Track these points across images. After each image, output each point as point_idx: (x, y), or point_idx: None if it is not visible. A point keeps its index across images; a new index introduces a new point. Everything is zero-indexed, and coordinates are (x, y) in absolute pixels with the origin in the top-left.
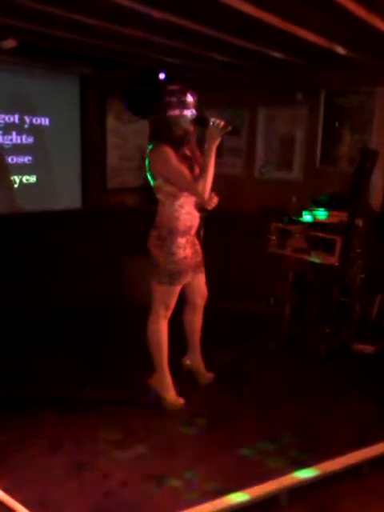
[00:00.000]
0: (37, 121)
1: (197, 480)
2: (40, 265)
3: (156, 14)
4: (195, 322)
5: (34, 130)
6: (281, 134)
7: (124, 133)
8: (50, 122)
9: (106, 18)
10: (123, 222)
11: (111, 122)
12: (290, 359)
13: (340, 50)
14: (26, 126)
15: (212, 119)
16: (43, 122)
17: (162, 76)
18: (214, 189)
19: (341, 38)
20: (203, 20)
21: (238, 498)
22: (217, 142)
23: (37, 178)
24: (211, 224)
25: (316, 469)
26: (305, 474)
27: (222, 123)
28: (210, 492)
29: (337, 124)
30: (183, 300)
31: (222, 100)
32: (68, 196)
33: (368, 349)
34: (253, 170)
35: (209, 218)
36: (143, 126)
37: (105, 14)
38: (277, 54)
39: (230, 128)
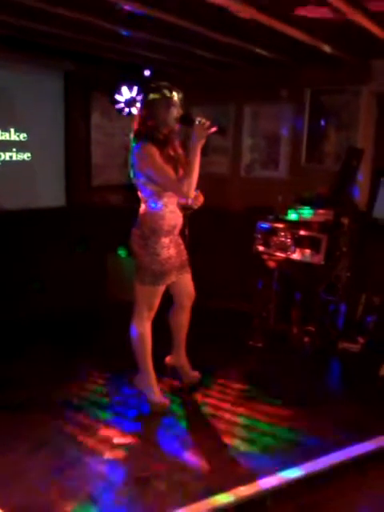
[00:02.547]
0: (20, 117)
1: (181, 482)
2: (22, 264)
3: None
4: (182, 321)
5: (17, 126)
6: (266, 132)
7: (109, 130)
8: (33, 118)
9: (90, 12)
10: (108, 220)
11: (96, 118)
12: (275, 357)
13: (325, 48)
14: (9, 123)
15: (198, 118)
16: (26, 119)
17: (147, 73)
18: (199, 188)
19: (325, 36)
20: (188, 16)
21: (224, 499)
22: (202, 142)
23: (19, 175)
24: (197, 223)
25: (301, 469)
26: (290, 474)
27: (208, 122)
28: (195, 494)
29: (322, 122)
30: (169, 300)
31: (207, 98)
32: (51, 194)
33: (353, 347)
34: (239, 168)
35: (194, 217)
36: (128, 122)
37: (88, 8)
38: (262, 52)
39: (215, 127)
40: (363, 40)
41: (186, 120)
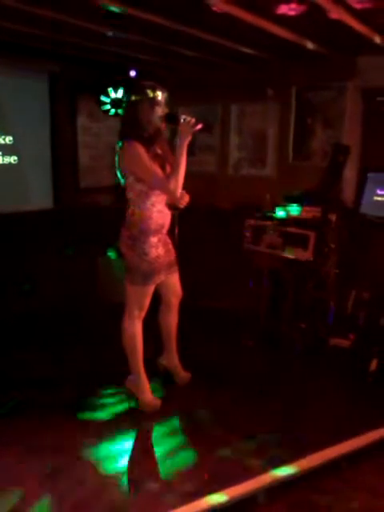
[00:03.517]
0: (5, 120)
1: (174, 482)
2: (11, 266)
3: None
4: (170, 321)
5: (3, 129)
6: (253, 130)
7: (95, 131)
8: (18, 120)
9: (73, 13)
10: (97, 221)
11: (82, 119)
12: (266, 355)
13: (309, 46)
14: None
15: (183, 116)
16: (12, 121)
17: (132, 73)
18: (186, 187)
19: (310, 33)
20: (173, 16)
21: (217, 498)
22: (188, 139)
23: (6, 179)
24: (185, 222)
25: (294, 466)
26: (283, 471)
27: (193, 120)
28: (188, 493)
29: (309, 120)
30: (158, 300)
31: (194, 97)
32: (39, 196)
33: (343, 343)
34: (226, 167)
35: (183, 216)
36: (115, 123)
37: (72, 9)
38: (247, 50)
39: (201, 125)
40: (347, 37)
41: (171, 118)
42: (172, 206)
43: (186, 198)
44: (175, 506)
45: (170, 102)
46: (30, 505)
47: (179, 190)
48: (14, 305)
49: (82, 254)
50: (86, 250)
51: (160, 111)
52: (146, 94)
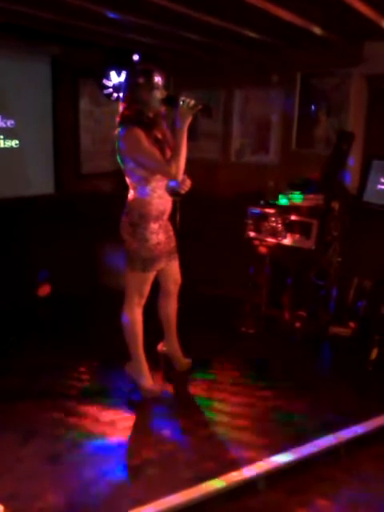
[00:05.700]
0: (6, 103)
1: (173, 468)
2: (12, 253)
3: None
4: (170, 308)
5: (4, 113)
6: (256, 116)
7: (98, 115)
8: (20, 104)
9: None
10: (98, 207)
11: (84, 104)
12: (267, 343)
13: (316, 30)
14: None
15: (182, 98)
16: (13, 105)
17: (136, 57)
18: (187, 173)
19: (316, 18)
20: None
21: (215, 484)
22: (188, 122)
23: (7, 163)
24: (187, 209)
25: (292, 453)
26: (281, 458)
27: (193, 101)
28: (186, 480)
29: (313, 106)
30: (157, 287)
31: (197, 82)
32: (40, 181)
33: (344, 332)
34: (229, 153)
35: (185, 203)
36: (117, 108)
37: None
38: (252, 34)
39: (200, 106)
40: (355, 21)
41: (170, 101)
42: (173, 192)
43: (188, 183)
44: (174, 492)
45: (172, 85)
46: (27, 489)
47: (180, 174)
48: (13, 292)
49: (82, 239)
50: (87, 235)
51: (159, 94)
52: (144, 78)
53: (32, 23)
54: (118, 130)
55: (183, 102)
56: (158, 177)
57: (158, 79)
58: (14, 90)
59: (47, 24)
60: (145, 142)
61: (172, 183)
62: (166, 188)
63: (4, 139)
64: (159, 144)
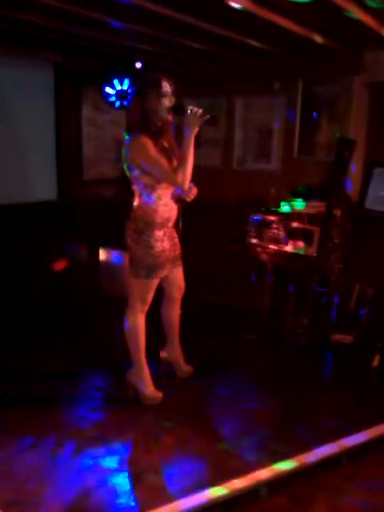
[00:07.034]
0: (9, 110)
1: (175, 475)
2: (14, 259)
3: None
4: (173, 315)
5: (7, 119)
6: (258, 123)
7: (100, 122)
8: (23, 111)
9: (79, 3)
10: (101, 213)
11: (87, 111)
12: (269, 350)
13: (317, 39)
14: None
15: (189, 107)
16: (16, 112)
17: (138, 65)
18: (192, 180)
19: (318, 27)
20: (180, 7)
21: (217, 492)
22: (195, 131)
23: (10, 170)
24: (190, 216)
25: (295, 460)
26: (284, 466)
27: (200, 111)
28: (188, 487)
29: (315, 114)
30: (161, 293)
31: (199, 90)
32: (43, 187)
33: (346, 339)
34: (231, 160)
35: (187, 210)
36: (120, 115)
37: None
38: (254, 43)
39: (207, 116)
40: (355, 30)
41: (178, 110)
42: (179, 199)
43: (194, 191)
44: (175, 499)
45: (175, 92)
46: (26, 496)
47: (187, 183)
48: (14, 299)
49: (85, 246)
50: (90, 242)
51: (167, 102)
52: (154, 86)
53: (35, 31)
54: (125, 138)
55: (191, 111)
56: (164, 184)
57: (167, 87)
58: (17, 96)
59: (50, 31)
60: (152, 150)
61: (178, 191)
62: (171, 196)
63: (7, 145)
64: (166, 152)
